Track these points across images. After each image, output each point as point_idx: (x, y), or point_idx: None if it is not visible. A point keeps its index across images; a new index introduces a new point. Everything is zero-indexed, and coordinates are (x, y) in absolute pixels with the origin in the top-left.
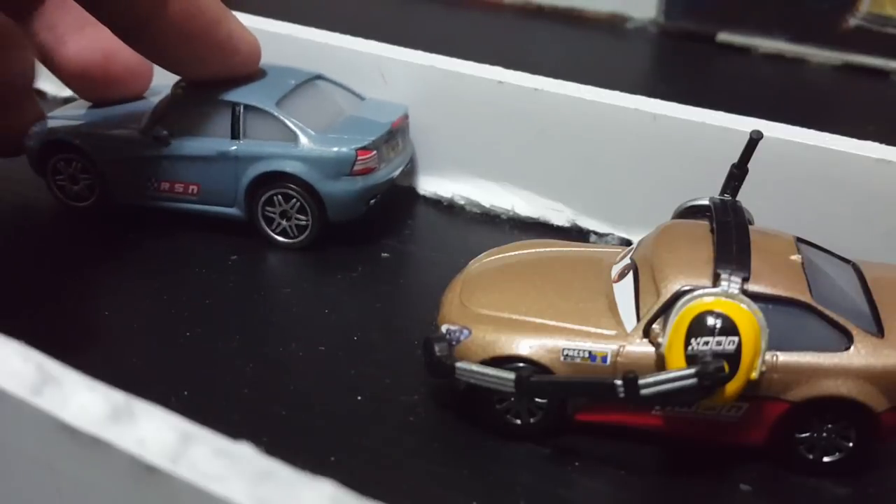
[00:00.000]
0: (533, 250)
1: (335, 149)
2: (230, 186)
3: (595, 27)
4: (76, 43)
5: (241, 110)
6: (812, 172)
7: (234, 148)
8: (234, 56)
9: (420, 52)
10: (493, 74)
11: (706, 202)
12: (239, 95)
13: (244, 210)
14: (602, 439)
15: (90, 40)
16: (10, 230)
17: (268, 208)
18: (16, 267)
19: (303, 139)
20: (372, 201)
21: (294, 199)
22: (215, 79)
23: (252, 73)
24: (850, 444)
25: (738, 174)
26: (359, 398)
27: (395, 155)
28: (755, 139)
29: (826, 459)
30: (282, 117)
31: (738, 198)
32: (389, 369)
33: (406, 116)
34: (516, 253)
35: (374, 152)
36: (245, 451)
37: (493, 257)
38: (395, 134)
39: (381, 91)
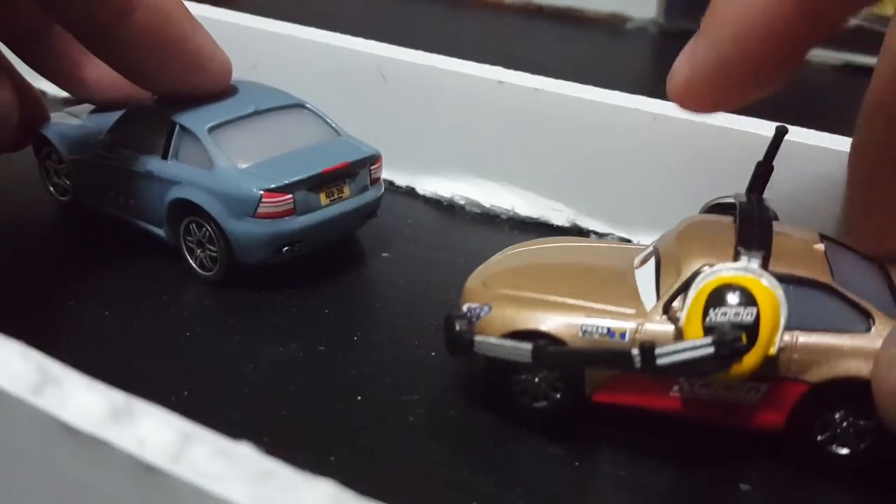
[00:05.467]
0: (557, 245)
1: (241, 186)
2: (157, 206)
3: (595, 27)
4: (94, 69)
5: (177, 130)
6: (812, 172)
7: (160, 168)
8: (201, 73)
9: (420, 52)
10: (493, 74)
11: (732, 200)
12: (181, 114)
13: (168, 233)
14: (602, 440)
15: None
16: (11, 231)
17: (188, 235)
18: (16, 267)
19: (218, 170)
20: (286, 249)
21: (206, 231)
22: (182, 94)
23: (222, 91)
24: (867, 440)
25: (763, 171)
26: (359, 398)
27: (334, 201)
28: (781, 133)
29: (841, 451)
30: (206, 143)
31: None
32: (389, 369)
33: (370, 160)
34: (541, 246)
35: (288, 196)
36: (245, 451)
37: (518, 249)
38: (339, 179)
39: (381, 91)
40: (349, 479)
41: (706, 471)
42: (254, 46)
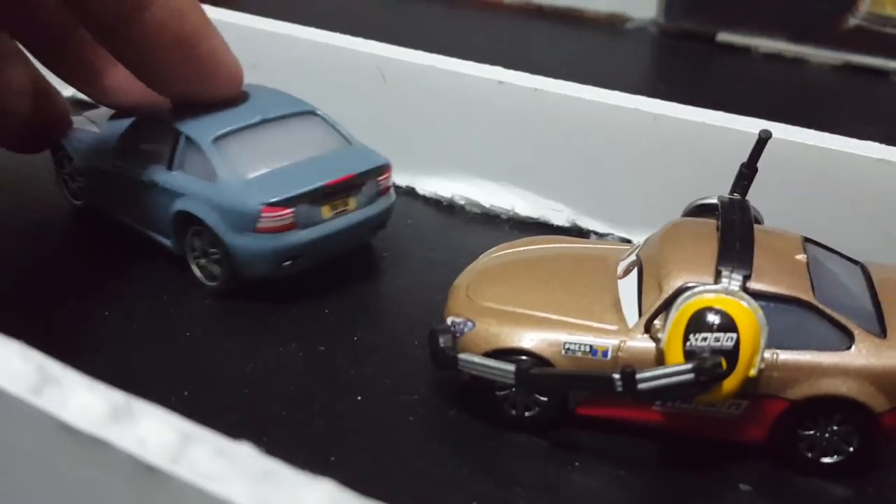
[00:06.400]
0: (543, 246)
1: (242, 200)
2: (163, 217)
3: (595, 27)
4: (114, 75)
5: (182, 140)
6: (812, 172)
7: (164, 178)
8: (212, 77)
9: (420, 52)
10: (493, 74)
11: (715, 201)
12: (186, 124)
13: (174, 244)
14: (602, 439)
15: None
16: (11, 231)
17: (194, 245)
18: (16, 267)
19: (220, 182)
20: (287, 263)
21: (210, 242)
22: (194, 100)
23: (232, 98)
24: (852, 446)
25: (747, 174)
26: (359, 398)
27: (338, 214)
28: (764, 139)
29: (826, 460)
30: (209, 155)
31: (746, 197)
32: (389, 369)
33: (377, 171)
34: (526, 248)
35: (289, 210)
36: (245, 451)
37: (503, 252)
38: (344, 191)
39: (381, 91)
40: (349, 479)
41: (706, 471)
42: (254, 46)
